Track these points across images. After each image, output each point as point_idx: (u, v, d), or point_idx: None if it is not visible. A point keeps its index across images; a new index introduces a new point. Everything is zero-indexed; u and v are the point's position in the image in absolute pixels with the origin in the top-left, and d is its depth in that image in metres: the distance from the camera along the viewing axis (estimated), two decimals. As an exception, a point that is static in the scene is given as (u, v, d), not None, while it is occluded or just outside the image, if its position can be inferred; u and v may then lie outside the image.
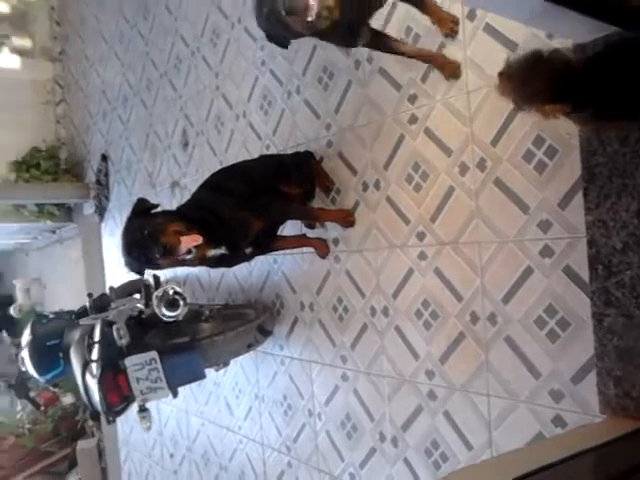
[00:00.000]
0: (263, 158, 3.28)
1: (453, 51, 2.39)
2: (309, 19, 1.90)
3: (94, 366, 2.84)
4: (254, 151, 3.60)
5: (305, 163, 3.12)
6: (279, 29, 2.15)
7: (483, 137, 2.30)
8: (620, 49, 1.53)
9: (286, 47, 2.42)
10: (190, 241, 2.54)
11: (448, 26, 2.37)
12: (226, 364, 3.53)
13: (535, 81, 1.52)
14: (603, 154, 1.82)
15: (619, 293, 1.79)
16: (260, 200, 2.83)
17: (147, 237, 2.53)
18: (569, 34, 1.69)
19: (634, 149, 1.73)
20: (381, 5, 2.19)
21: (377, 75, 2.76)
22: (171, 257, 2.54)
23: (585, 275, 1.94)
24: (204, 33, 4.16)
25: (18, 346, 4.18)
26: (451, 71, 2.38)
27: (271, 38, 2.32)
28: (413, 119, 2.60)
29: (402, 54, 2.41)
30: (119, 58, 5.53)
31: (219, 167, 3.30)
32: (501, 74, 1.58)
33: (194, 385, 3.77)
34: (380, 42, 2.32)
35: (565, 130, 2.00)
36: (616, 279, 1.80)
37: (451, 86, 2.41)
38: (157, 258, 2.52)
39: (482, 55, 2.28)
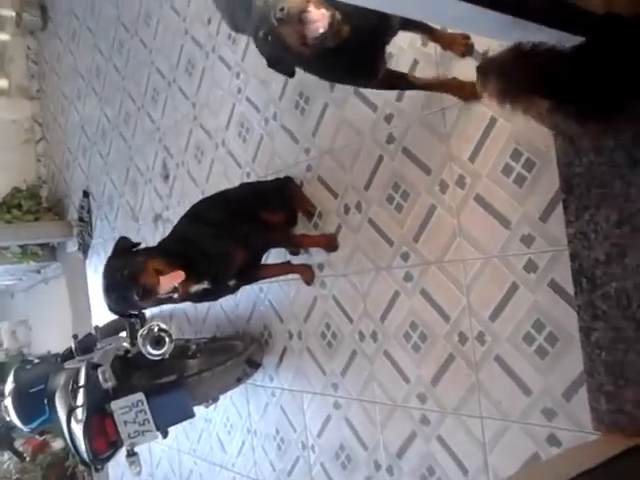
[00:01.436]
0: (243, 186, 3.24)
1: (461, 72, 2.25)
2: (309, 31, 1.72)
3: (79, 411, 2.76)
4: (235, 179, 3.57)
5: (285, 189, 3.09)
6: (279, 50, 1.91)
7: (461, 154, 2.27)
8: (607, 42, 1.51)
9: (291, 74, 2.12)
10: (170, 280, 2.48)
11: (461, 45, 2.22)
12: (215, 400, 3.45)
13: (520, 75, 1.49)
14: (580, 165, 1.80)
15: (605, 306, 1.75)
16: (241, 229, 2.79)
17: (126, 278, 2.47)
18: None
19: (610, 158, 1.70)
20: (394, 32, 2.05)
21: (352, 97, 2.74)
22: (151, 298, 2.48)
23: (571, 288, 1.91)
24: (179, 64, 4.15)
25: (1, 394, 4.07)
26: (468, 94, 2.18)
27: (273, 64, 2.07)
28: (391, 139, 2.58)
29: (421, 88, 2.30)
30: (96, 93, 5.52)
31: (201, 197, 3.26)
32: (481, 68, 1.55)
33: (185, 423, 3.67)
34: (397, 78, 2.19)
35: (542, 142, 1.98)
36: (601, 291, 1.76)
37: (427, 104, 2.39)
38: (137, 300, 2.45)
39: (458, 70, 2.27)
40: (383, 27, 1.95)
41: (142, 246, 2.78)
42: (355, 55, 1.92)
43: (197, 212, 2.95)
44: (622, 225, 1.71)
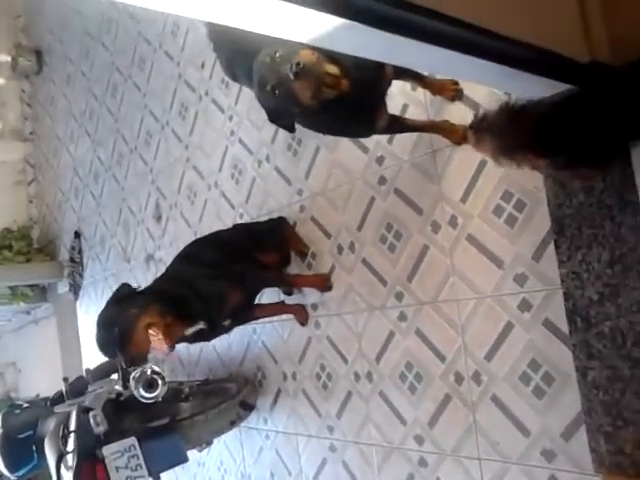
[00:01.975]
0: (237, 227, 3.26)
1: (452, 116, 2.30)
2: (324, 87, 1.77)
3: (70, 457, 2.71)
4: (228, 220, 3.59)
5: (279, 229, 3.11)
6: (284, 104, 1.90)
7: (452, 194, 2.31)
8: (582, 98, 1.56)
9: (292, 129, 2.13)
10: (160, 343, 2.56)
11: (450, 90, 2.28)
12: (209, 443, 3.40)
13: (511, 134, 1.54)
14: (570, 206, 1.83)
15: (600, 345, 1.76)
16: (235, 269, 2.80)
17: (118, 338, 2.55)
18: (527, 92, 1.71)
19: (599, 199, 1.74)
20: (389, 82, 2.09)
21: (344, 139, 2.78)
22: (140, 360, 2.64)
23: (565, 327, 1.91)
24: (172, 107, 4.21)
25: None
26: (460, 137, 2.23)
27: (275, 118, 2.06)
28: (382, 180, 2.61)
29: (419, 130, 2.35)
30: (89, 135, 5.56)
31: (193, 238, 3.28)
32: (474, 127, 1.60)
33: (178, 467, 3.60)
34: (398, 124, 2.25)
35: (532, 184, 2.02)
36: (596, 330, 1.77)
37: (417, 146, 2.43)
38: (126, 361, 2.63)
39: (447, 114, 2.31)
40: (379, 78, 2.00)
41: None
42: (356, 107, 1.95)
43: (191, 252, 2.97)
44: (614, 265, 1.73)
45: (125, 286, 2.87)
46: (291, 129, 2.14)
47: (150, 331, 2.55)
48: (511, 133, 1.56)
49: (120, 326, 2.56)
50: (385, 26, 1.20)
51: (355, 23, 1.11)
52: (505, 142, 1.56)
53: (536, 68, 1.45)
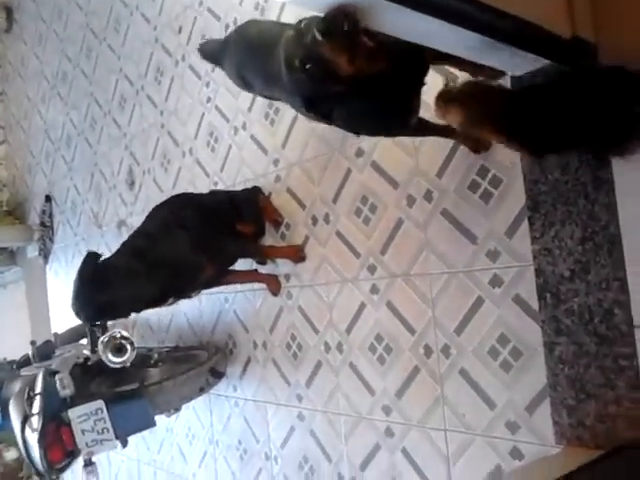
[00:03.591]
0: (214, 193, 3.22)
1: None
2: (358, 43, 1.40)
3: (34, 419, 2.68)
4: (202, 188, 3.54)
5: (255, 198, 3.08)
6: (320, 80, 1.55)
7: (429, 169, 2.31)
8: (551, 84, 1.58)
9: (330, 119, 1.79)
10: None
11: (490, 75, 1.92)
12: (178, 409, 3.40)
13: (475, 110, 1.55)
14: (545, 182, 1.84)
15: (569, 321, 1.79)
16: (214, 238, 2.78)
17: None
18: (505, 66, 1.71)
19: (575, 177, 1.75)
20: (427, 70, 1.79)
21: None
22: None
23: (535, 304, 1.94)
24: (148, 72, 4.11)
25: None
26: (478, 144, 2.09)
27: (313, 104, 1.69)
28: (360, 152, 2.60)
29: (440, 134, 2.10)
30: (62, 98, 5.43)
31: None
32: (440, 97, 1.60)
33: (145, 432, 3.61)
34: (422, 124, 1.92)
35: (508, 160, 2.02)
36: (565, 307, 1.80)
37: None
38: None
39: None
40: (421, 63, 1.73)
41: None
42: (393, 96, 1.68)
43: (169, 214, 2.89)
44: (585, 242, 1.76)
45: (92, 255, 2.84)
46: (329, 118, 1.79)
47: None
48: (479, 106, 1.57)
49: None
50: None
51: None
52: (469, 117, 1.56)
53: (517, 41, 1.45)
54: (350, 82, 1.51)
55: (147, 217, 2.95)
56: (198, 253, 2.73)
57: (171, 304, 2.98)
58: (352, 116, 1.78)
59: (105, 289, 2.65)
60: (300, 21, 1.55)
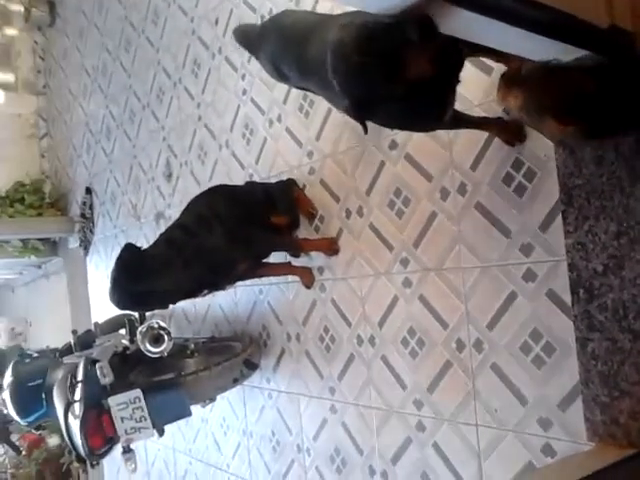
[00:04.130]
0: (250, 184, 3.25)
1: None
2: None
3: (77, 406, 2.77)
4: (238, 180, 3.57)
5: (290, 190, 3.10)
6: (376, 82, 1.48)
7: (463, 162, 2.28)
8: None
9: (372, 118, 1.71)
10: None
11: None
12: (212, 400, 3.46)
13: (548, 95, 1.51)
14: (580, 176, 1.80)
15: (602, 317, 1.76)
16: (250, 232, 2.81)
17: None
18: (540, 56, 1.67)
19: (610, 170, 1.71)
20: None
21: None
22: None
23: (568, 299, 1.91)
24: (185, 64, 4.16)
25: (0, 387, 4.08)
26: (512, 135, 2.07)
27: (364, 108, 1.57)
28: (393, 145, 2.59)
29: (474, 126, 2.09)
30: (102, 91, 5.53)
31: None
32: (506, 79, 1.56)
33: (181, 422, 3.68)
34: (456, 118, 1.87)
35: (542, 152, 1.99)
36: (598, 302, 1.77)
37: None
38: None
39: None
40: (460, 60, 1.69)
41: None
42: (433, 93, 1.61)
43: (205, 207, 2.91)
44: (620, 237, 1.72)
45: (130, 246, 2.88)
46: (373, 117, 1.71)
47: None
48: (544, 93, 1.52)
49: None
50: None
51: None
52: (536, 101, 1.52)
53: (553, 32, 1.41)
54: (410, 83, 1.48)
55: (185, 209, 2.99)
56: (233, 246, 2.76)
57: (205, 295, 3.03)
58: (394, 114, 1.74)
59: (142, 279, 2.71)
60: (347, 20, 1.49)
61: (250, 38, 2.43)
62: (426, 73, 1.44)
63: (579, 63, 1.52)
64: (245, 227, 2.81)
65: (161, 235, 2.94)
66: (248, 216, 2.87)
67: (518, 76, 1.56)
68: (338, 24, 1.57)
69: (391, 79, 1.45)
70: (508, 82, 1.56)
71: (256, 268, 3.03)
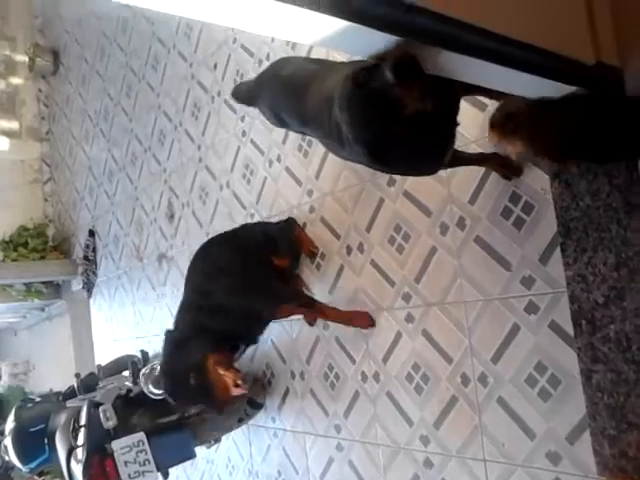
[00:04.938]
0: (249, 227, 3.16)
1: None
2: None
3: (79, 451, 2.75)
4: (239, 220, 3.61)
5: (290, 230, 3.11)
6: (387, 124, 1.49)
7: (461, 196, 2.31)
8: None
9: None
10: (234, 387, 2.44)
11: None
12: (217, 440, 3.43)
13: (544, 138, 1.54)
14: (577, 208, 1.83)
15: (605, 348, 1.76)
16: (265, 282, 2.73)
17: (197, 387, 2.43)
18: (528, 93, 1.71)
19: (606, 202, 1.74)
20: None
21: (354, 141, 2.78)
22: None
23: (571, 330, 1.91)
24: (185, 107, 4.24)
25: (1, 433, 4.04)
26: (512, 170, 2.09)
27: (380, 150, 1.58)
28: (391, 181, 2.62)
29: (473, 163, 2.13)
30: (104, 135, 5.63)
31: (205, 238, 3.17)
32: (499, 126, 1.59)
33: (186, 464, 3.64)
34: (456, 157, 1.88)
35: (539, 185, 2.02)
36: (601, 334, 1.77)
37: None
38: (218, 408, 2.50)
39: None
40: (456, 99, 1.69)
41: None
42: (433, 135, 1.62)
43: (210, 259, 2.80)
44: (620, 268, 1.73)
45: (168, 333, 2.67)
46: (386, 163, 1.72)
47: (222, 371, 2.43)
48: (536, 139, 1.56)
49: (195, 379, 2.44)
50: (391, 29, 1.22)
51: (356, 25, 1.12)
52: (529, 147, 1.55)
53: (541, 70, 1.46)
54: (407, 125, 1.49)
55: (188, 273, 2.85)
56: (254, 302, 2.65)
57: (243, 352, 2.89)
58: (399, 158, 1.71)
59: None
60: (345, 72, 1.53)
61: (248, 91, 2.46)
62: (420, 109, 1.44)
63: (567, 101, 1.55)
64: (253, 273, 2.72)
65: (181, 311, 2.72)
66: (251, 262, 2.77)
67: (508, 124, 1.58)
68: (339, 76, 1.61)
69: (389, 122, 1.47)
70: (499, 130, 1.59)
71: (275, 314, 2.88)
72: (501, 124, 1.60)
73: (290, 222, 3.16)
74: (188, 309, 2.68)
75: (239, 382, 2.42)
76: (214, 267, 2.73)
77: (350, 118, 1.53)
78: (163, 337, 2.65)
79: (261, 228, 3.14)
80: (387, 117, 1.47)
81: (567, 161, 1.58)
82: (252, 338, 2.75)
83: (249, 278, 2.69)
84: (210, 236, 3.21)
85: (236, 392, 2.44)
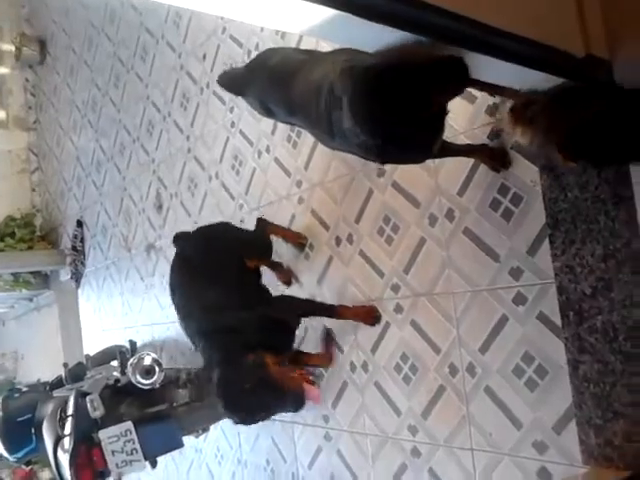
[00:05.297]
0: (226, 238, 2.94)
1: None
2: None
3: (66, 441, 2.74)
4: (228, 211, 3.61)
5: (262, 235, 2.98)
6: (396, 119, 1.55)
7: (450, 188, 2.32)
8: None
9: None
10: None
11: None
12: (206, 430, 3.43)
13: (557, 135, 1.55)
14: (565, 200, 1.84)
15: (592, 339, 1.77)
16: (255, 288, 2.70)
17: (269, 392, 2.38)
18: (522, 85, 1.72)
19: (594, 194, 1.75)
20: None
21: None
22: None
23: (559, 321, 1.93)
24: (174, 98, 4.21)
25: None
26: (499, 163, 2.10)
27: (387, 148, 1.65)
28: (381, 173, 2.62)
29: (461, 154, 2.14)
30: (92, 125, 5.58)
31: (193, 228, 3.15)
32: (517, 117, 1.60)
33: (175, 453, 3.64)
34: (444, 147, 1.90)
35: (528, 178, 2.03)
36: (588, 324, 1.79)
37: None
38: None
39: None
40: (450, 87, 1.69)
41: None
42: (425, 127, 1.68)
43: (187, 281, 2.72)
44: (607, 259, 1.75)
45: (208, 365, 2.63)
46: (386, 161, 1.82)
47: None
48: (549, 135, 1.57)
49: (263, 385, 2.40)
50: (380, 19, 1.22)
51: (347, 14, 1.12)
52: (543, 141, 1.56)
53: (530, 62, 1.46)
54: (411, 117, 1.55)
55: (178, 296, 2.80)
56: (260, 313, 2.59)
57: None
58: (394, 146, 1.74)
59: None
60: (346, 65, 1.56)
61: (235, 80, 2.45)
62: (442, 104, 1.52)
63: (584, 95, 1.56)
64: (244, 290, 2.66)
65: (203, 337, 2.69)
66: (229, 272, 2.69)
67: (527, 112, 1.60)
68: (334, 67, 1.63)
69: (403, 116, 1.52)
70: (517, 115, 1.60)
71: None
72: (520, 111, 1.60)
73: (261, 226, 3.02)
74: (206, 333, 2.65)
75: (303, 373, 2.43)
76: (197, 288, 2.68)
77: (363, 111, 1.55)
78: (210, 379, 2.57)
79: (235, 238, 2.96)
80: (404, 112, 1.52)
81: (577, 159, 1.58)
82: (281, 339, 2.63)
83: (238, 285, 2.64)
84: (197, 227, 3.14)
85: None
